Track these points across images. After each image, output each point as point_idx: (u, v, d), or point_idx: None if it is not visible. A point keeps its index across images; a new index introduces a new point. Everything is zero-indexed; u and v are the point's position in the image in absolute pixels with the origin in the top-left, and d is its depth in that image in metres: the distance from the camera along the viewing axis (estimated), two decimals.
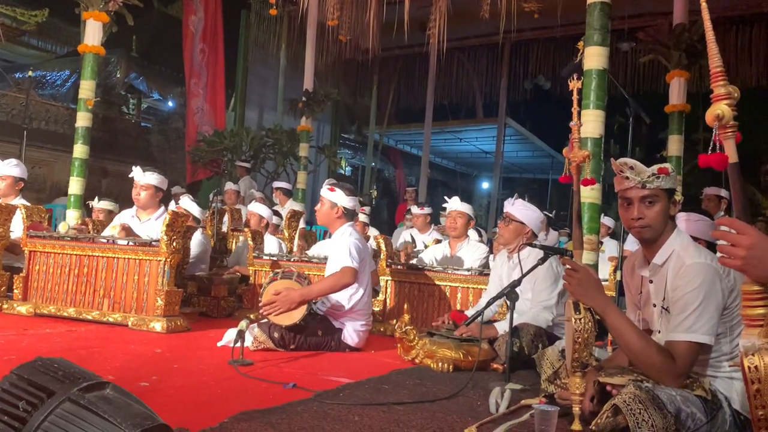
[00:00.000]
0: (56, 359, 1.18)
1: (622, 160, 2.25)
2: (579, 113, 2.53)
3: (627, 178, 2.24)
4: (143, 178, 4.70)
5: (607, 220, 7.67)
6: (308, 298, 3.71)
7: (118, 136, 12.31)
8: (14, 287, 4.53)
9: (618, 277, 4.54)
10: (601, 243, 6.93)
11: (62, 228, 4.90)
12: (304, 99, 9.58)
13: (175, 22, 13.88)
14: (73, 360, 3.00)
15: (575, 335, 2.25)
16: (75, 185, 6.54)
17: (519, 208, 3.95)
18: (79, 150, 6.60)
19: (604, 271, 5.56)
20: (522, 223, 3.91)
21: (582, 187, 2.60)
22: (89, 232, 5.10)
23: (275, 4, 9.07)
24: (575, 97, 2.52)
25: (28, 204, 4.95)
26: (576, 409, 2.27)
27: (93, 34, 6.55)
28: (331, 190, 4.06)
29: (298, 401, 2.46)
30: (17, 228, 4.73)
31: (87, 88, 6.60)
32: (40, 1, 10.84)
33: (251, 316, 4.56)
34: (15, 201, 5.10)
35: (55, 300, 4.44)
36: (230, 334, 3.53)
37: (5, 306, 4.47)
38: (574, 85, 2.54)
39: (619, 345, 2.33)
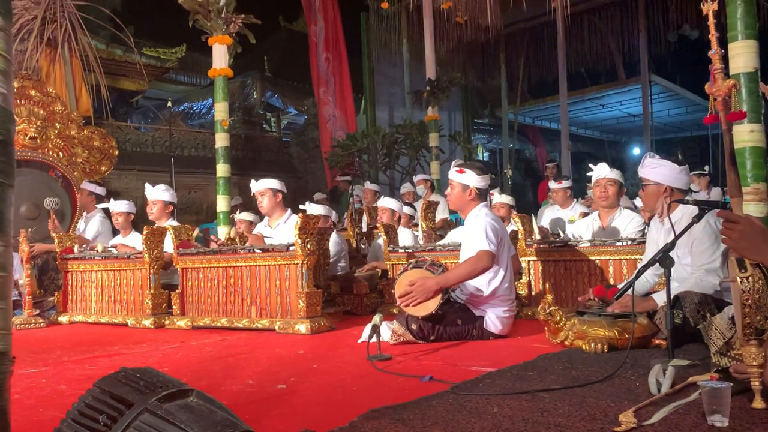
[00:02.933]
0: (140, 369, 1.14)
1: None
2: (719, 39, 2.16)
3: None
4: (258, 185, 4.89)
5: None
6: (445, 285, 3.54)
7: (261, 153, 13.00)
8: (173, 303, 4.84)
9: None
10: None
11: (224, 234, 5.40)
12: (428, 88, 9.46)
13: (301, 37, 14.41)
14: (219, 367, 3.12)
15: (743, 297, 1.91)
16: (222, 203, 6.91)
17: (649, 168, 3.52)
18: (222, 169, 6.97)
19: None
20: (657, 183, 3.48)
21: (735, 126, 2.23)
22: (234, 242, 5.37)
23: None
24: (711, 21, 2.15)
25: (178, 224, 5.28)
26: (756, 384, 1.93)
27: (220, 57, 6.89)
28: (461, 171, 3.85)
29: (433, 395, 2.31)
30: (169, 248, 5.05)
31: (221, 110, 6.95)
32: (177, 38, 11.74)
33: (392, 310, 4.51)
34: (167, 224, 5.46)
35: (209, 312, 4.67)
36: (368, 330, 3.47)
37: (167, 322, 4.79)
38: (708, 7, 2.18)
39: None
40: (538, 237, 4.80)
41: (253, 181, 5.00)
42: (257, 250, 4.50)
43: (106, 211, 6.32)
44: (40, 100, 7.36)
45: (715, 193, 8.06)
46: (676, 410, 1.98)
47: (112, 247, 5.54)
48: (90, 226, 6.15)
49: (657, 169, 3.48)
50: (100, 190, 6.45)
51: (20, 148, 7.05)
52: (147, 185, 5.80)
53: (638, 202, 5.47)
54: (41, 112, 7.33)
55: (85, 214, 6.34)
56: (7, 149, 1.20)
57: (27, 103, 7.25)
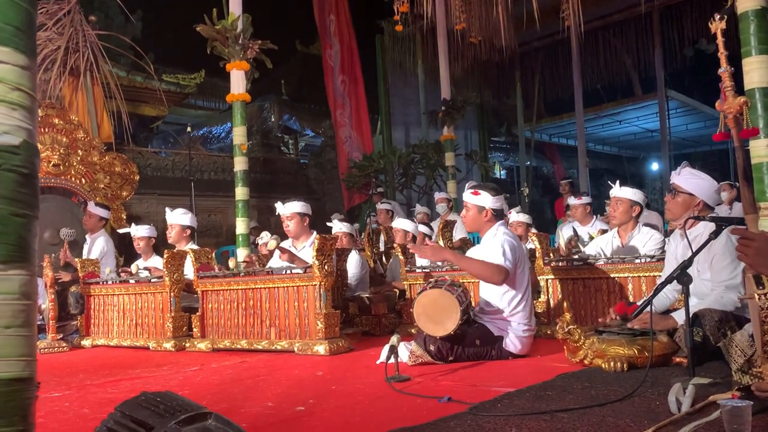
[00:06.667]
0: (160, 393, 1.17)
1: None
2: (728, 57, 2.17)
3: None
4: (285, 209, 4.90)
5: None
6: (456, 263, 3.94)
7: (279, 175, 13.10)
8: (193, 326, 4.88)
9: None
10: None
11: (231, 264, 5.28)
12: (443, 108, 9.52)
13: (317, 60, 14.57)
14: (238, 389, 3.15)
15: (762, 314, 1.91)
16: (241, 225, 6.97)
17: (687, 178, 3.49)
18: (240, 192, 7.04)
19: None
20: (691, 194, 3.46)
21: (752, 141, 2.23)
22: (254, 265, 5.42)
23: (400, 20, 9.11)
24: (720, 39, 2.17)
25: (197, 248, 5.33)
26: None
27: (237, 82, 6.99)
28: (475, 193, 3.85)
29: (451, 415, 2.31)
30: (190, 271, 5.10)
31: (239, 134, 7.04)
32: (196, 64, 11.93)
33: (410, 330, 4.51)
34: (186, 247, 5.52)
35: (229, 334, 4.70)
36: (386, 351, 3.47)
37: (188, 344, 4.83)
38: (716, 26, 2.19)
39: None
40: (564, 253, 4.82)
41: (279, 203, 4.99)
42: (276, 272, 4.54)
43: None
44: (63, 127, 7.54)
45: (738, 208, 7.98)
46: (697, 430, 1.97)
47: (145, 269, 5.61)
48: (95, 246, 6.28)
49: (695, 180, 3.46)
50: (107, 214, 6.66)
51: (44, 174, 7.21)
52: (167, 209, 5.88)
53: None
54: (64, 139, 7.50)
55: (88, 235, 6.50)
56: (32, 182, 1.24)
57: (50, 131, 7.42)
